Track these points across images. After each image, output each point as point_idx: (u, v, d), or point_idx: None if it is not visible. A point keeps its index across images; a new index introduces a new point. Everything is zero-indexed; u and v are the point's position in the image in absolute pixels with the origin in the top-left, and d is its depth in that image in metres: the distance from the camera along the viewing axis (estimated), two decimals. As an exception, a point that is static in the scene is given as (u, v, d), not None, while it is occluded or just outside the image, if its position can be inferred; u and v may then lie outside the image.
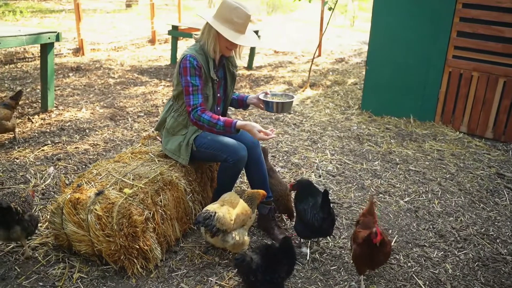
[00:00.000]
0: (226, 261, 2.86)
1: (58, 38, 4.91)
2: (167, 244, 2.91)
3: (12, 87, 6.28)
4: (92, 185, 2.84)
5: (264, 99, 3.10)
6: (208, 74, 2.94)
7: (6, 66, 7.47)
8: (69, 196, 2.72)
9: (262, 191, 2.97)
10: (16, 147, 4.28)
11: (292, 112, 5.97)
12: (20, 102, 5.50)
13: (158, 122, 3.23)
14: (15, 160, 4.01)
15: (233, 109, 5.43)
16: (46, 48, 4.96)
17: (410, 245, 3.15)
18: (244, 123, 2.78)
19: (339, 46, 12.02)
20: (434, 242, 3.20)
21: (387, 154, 4.69)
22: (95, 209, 2.62)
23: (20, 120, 4.96)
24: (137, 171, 2.98)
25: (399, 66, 5.67)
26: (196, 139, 2.99)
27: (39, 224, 3.09)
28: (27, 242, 2.85)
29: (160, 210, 2.81)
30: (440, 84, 5.49)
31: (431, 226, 3.39)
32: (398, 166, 4.42)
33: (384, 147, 4.86)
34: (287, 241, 2.60)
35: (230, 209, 2.76)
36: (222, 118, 2.82)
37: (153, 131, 4.44)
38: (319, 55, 10.36)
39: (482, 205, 3.76)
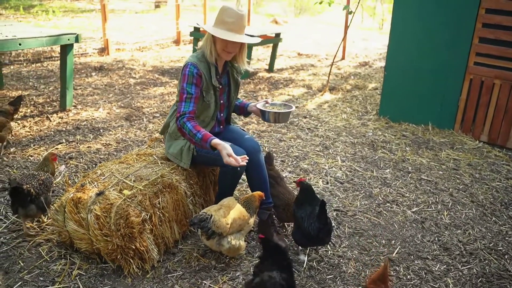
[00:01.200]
0: (222, 265, 2.87)
1: (77, 39, 5.05)
2: (165, 246, 2.95)
3: (36, 85, 6.49)
4: (95, 185, 2.91)
5: (262, 108, 3.09)
6: (209, 81, 2.96)
7: (33, 65, 7.73)
8: (71, 195, 2.80)
9: (258, 193, 2.95)
10: (31, 145, 4.43)
11: (307, 117, 5.94)
12: (40, 101, 5.70)
13: (163, 125, 3.28)
14: (29, 157, 4.15)
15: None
16: (66, 49, 5.12)
17: (412, 257, 3.08)
18: (219, 142, 2.72)
19: (364, 49, 11.84)
20: (437, 255, 3.11)
21: (400, 162, 4.59)
22: (94, 209, 2.69)
23: (39, 118, 5.13)
24: (139, 173, 3.03)
25: (418, 72, 5.54)
26: (197, 144, 3.02)
27: (48, 215, 3.19)
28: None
29: (158, 212, 2.85)
30: (461, 91, 5.34)
31: (436, 239, 3.30)
32: (410, 175, 4.32)
33: (398, 155, 4.76)
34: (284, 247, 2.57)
35: (227, 213, 2.77)
36: (203, 132, 2.78)
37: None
38: (343, 58, 10.25)
39: (494, 218, 3.63)
